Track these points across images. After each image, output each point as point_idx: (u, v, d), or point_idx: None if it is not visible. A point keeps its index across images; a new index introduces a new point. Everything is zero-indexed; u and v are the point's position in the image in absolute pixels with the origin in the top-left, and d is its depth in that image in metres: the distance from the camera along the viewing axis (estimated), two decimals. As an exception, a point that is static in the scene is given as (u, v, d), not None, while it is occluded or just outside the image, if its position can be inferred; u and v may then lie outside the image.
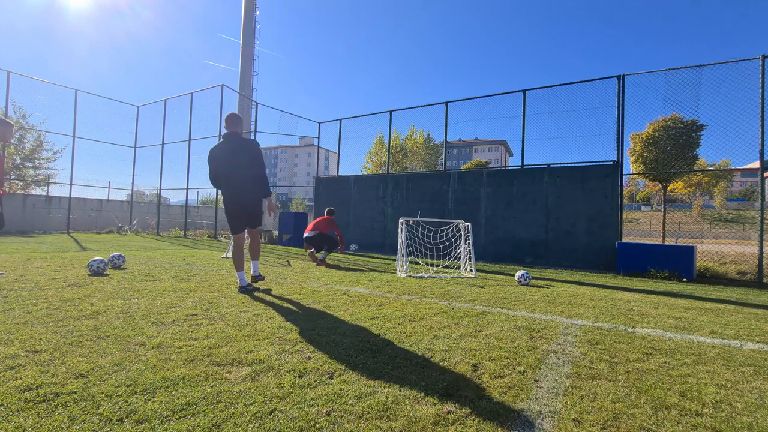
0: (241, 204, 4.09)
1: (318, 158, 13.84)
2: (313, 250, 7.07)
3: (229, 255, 7.50)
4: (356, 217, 11.50)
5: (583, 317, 3.36)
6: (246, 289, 3.93)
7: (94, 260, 4.76)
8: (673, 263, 6.74)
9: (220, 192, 4.12)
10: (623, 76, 7.97)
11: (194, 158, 14.85)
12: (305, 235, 7.20)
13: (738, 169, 8.57)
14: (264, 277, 4.44)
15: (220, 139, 4.19)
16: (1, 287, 3.60)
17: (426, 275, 5.80)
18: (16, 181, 16.30)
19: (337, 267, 6.55)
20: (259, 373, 1.84)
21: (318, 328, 2.65)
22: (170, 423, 1.37)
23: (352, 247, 7.75)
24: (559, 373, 2.00)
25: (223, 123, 4.20)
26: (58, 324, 2.51)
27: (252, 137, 14.53)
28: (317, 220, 7.36)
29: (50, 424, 1.34)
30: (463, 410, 1.55)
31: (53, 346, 2.08)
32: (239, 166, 4.00)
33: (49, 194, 15.98)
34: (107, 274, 4.62)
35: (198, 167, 15.01)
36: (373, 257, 8.99)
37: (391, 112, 11.48)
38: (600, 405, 1.64)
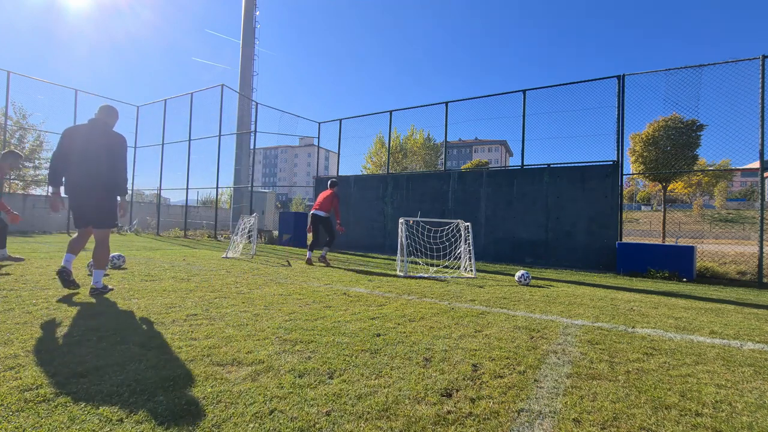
0: (88, 194, 3.56)
1: (318, 158, 13.83)
2: (309, 256, 7.06)
3: (230, 255, 7.51)
4: (356, 217, 11.50)
5: (583, 317, 3.36)
6: (63, 272, 3.40)
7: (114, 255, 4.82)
8: (673, 263, 6.74)
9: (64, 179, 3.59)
10: (623, 76, 7.97)
11: (194, 158, 14.86)
12: (312, 212, 7.25)
13: (738, 169, 8.57)
14: (108, 290, 3.58)
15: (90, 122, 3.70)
16: (1, 287, 3.60)
17: (426, 275, 5.80)
18: (16, 181, 16.30)
19: (338, 267, 6.55)
20: (259, 373, 1.84)
21: (318, 328, 2.65)
22: (170, 423, 1.37)
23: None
24: (559, 373, 2.00)
25: (100, 111, 3.73)
26: (58, 324, 2.51)
27: (252, 137, 14.56)
28: (322, 195, 7.27)
29: (50, 424, 1.34)
30: (463, 410, 1.55)
31: (53, 346, 2.08)
32: (99, 155, 3.57)
33: (50, 194, 15.97)
34: (107, 274, 4.62)
35: (198, 167, 15.05)
36: (373, 257, 8.99)
37: (391, 112, 11.48)
38: (600, 405, 1.64)
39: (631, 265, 7.08)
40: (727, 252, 8.97)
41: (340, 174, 12.59)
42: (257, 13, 19.66)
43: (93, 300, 3.26)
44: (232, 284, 4.34)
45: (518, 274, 5.33)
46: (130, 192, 17.79)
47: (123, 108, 17.03)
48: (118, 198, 3.78)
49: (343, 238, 11.42)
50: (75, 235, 3.70)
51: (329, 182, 7.49)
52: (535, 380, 1.89)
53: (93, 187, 3.57)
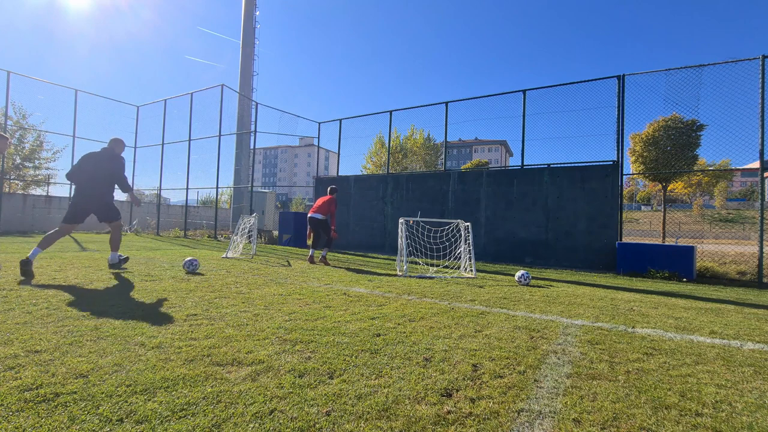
0: (90, 198, 4.95)
1: (318, 158, 13.83)
2: (312, 253, 7.17)
3: (229, 255, 7.51)
4: (356, 217, 11.50)
5: (583, 317, 3.36)
6: (26, 264, 4.16)
7: (188, 260, 5.14)
8: (673, 263, 6.74)
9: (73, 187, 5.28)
10: (623, 76, 7.97)
11: (194, 158, 14.85)
12: (309, 215, 7.36)
13: (738, 169, 8.57)
14: (124, 259, 5.27)
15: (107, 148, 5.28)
16: (0, 287, 3.60)
17: (426, 275, 5.80)
18: (16, 181, 16.30)
19: (338, 267, 6.56)
20: (259, 373, 1.84)
21: (318, 328, 2.65)
22: (170, 423, 1.37)
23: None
24: (559, 373, 2.00)
25: (110, 141, 5.26)
26: (58, 324, 2.51)
27: (252, 137, 14.58)
28: (321, 200, 7.41)
29: (50, 424, 1.33)
30: (463, 410, 1.55)
31: (53, 346, 2.08)
32: (102, 171, 5.05)
33: (49, 194, 15.97)
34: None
35: (198, 167, 15.03)
36: (373, 257, 8.99)
37: (391, 112, 11.48)
38: (600, 405, 1.64)
39: (631, 265, 7.08)
40: (727, 252, 8.96)
41: (340, 174, 12.59)
42: (257, 13, 19.65)
43: (91, 300, 3.26)
44: (232, 284, 4.34)
45: (518, 274, 5.33)
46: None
47: (123, 108, 17.06)
48: (126, 194, 5.34)
49: (343, 238, 11.44)
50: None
51: (329, 189, 7.64)
52: (535, 380, 1.89)
53: (95, 187, 4.98)
